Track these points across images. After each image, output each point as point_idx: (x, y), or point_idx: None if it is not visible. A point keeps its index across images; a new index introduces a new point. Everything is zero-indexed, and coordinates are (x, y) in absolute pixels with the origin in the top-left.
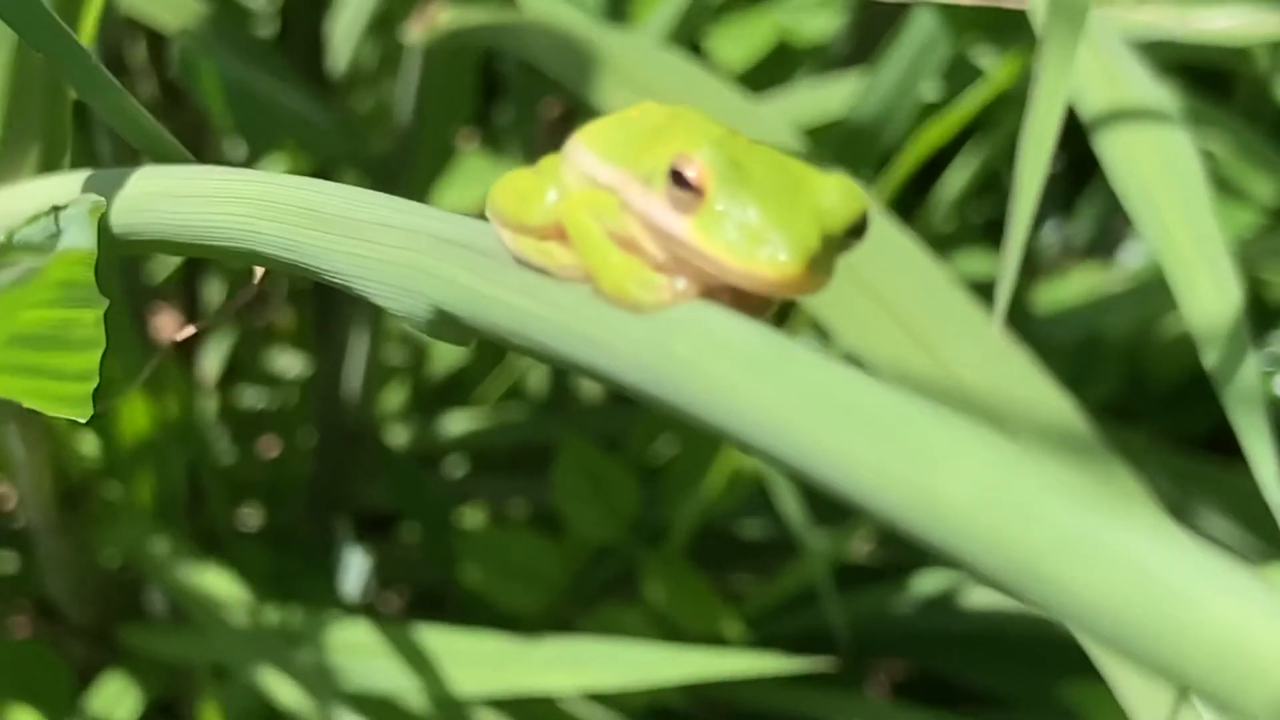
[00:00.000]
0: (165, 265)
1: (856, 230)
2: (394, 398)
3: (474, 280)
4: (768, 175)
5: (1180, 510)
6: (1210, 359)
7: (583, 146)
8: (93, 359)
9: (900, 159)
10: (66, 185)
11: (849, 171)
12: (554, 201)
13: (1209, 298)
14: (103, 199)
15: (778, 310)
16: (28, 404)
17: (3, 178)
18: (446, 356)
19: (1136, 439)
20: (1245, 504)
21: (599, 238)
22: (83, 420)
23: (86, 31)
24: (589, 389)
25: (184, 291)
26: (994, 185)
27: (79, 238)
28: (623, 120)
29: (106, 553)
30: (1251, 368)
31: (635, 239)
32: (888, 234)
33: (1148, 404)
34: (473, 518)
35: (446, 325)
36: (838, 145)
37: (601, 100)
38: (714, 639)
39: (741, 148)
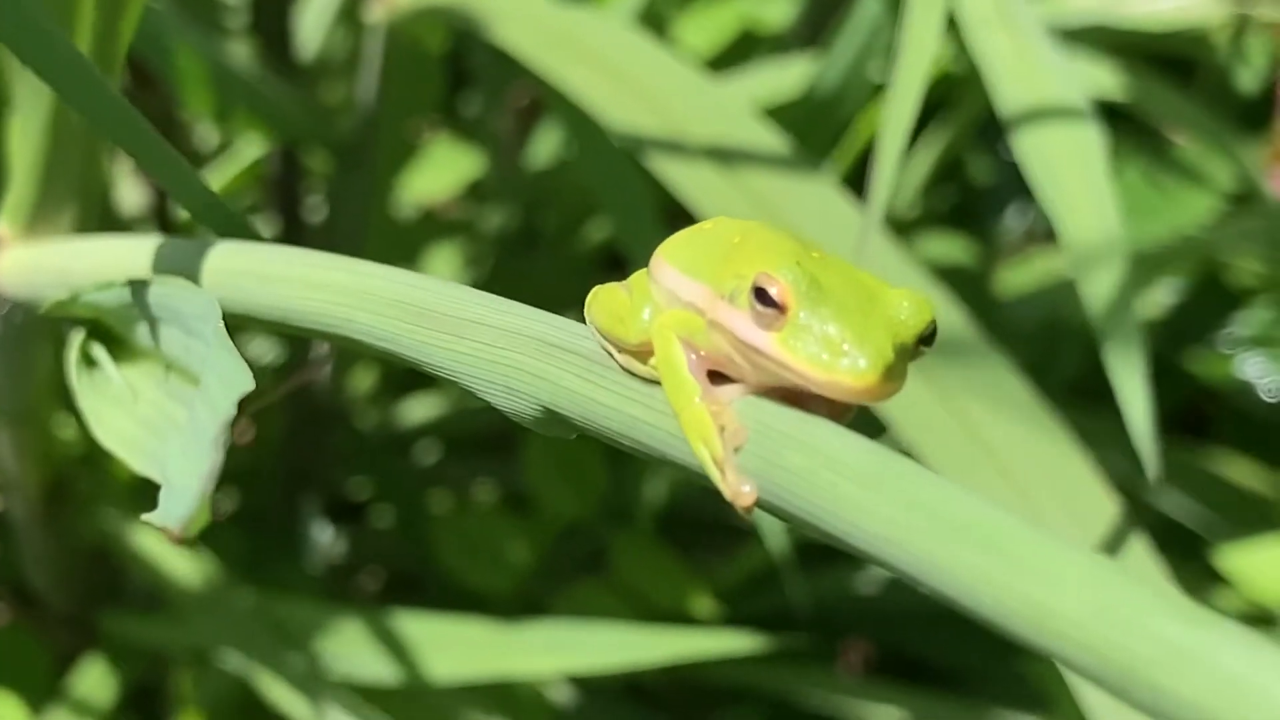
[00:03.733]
0: None
1: (926, 339)
2: (365, 381)
3: (583, 385)
4: (844, 290)
5: (1140, 488)
6: (1099, 315)
7: (666, 263)
8: None
9: (853, 136)
10: (135, 250)
11: (806, 150)
12: (648, 320)
13: (1096, 248)
14: (215, 302)
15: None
16: None
17: (39, 230)
18: None
19: (1097, 420)
20: (1203, 483)
21: (683, 377)
22: None
23: (115, 77)
24: None
25: None
26: (958, 172)
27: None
28: (699, 234)
29: (86, 539)
30: (1132, 322)
31: (725, 353)
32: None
33: (1108, 386)
34: (443, 500)
35: (554, 424)
36: (794, 125)
37: (567, 82)
38: (684, 616)
39: (816, 263)
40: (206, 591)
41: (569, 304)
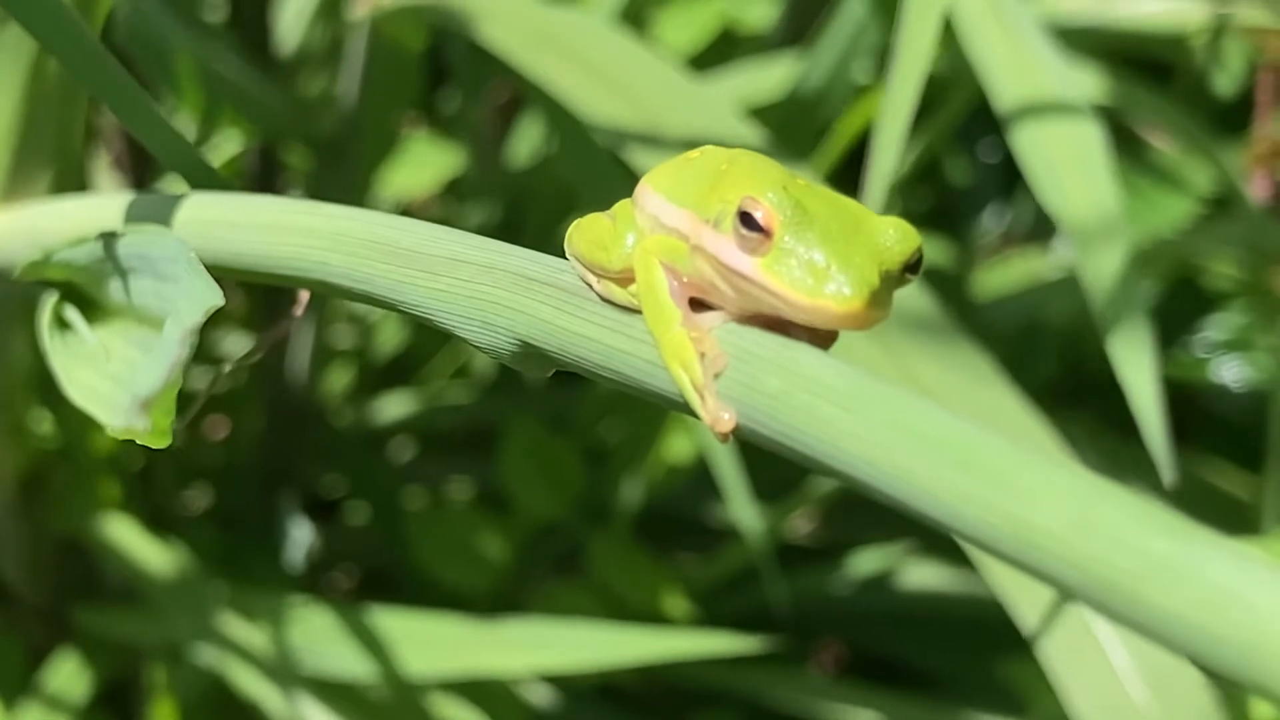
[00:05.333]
0: None
1: (911, 267)
2: (341, 379)
3: (560, 316)
4: (829, 216)
5: None
6: (1103, 302)
7: (650, 190)
8: None
9: (835, 136)
10: (106, 207)
11: (788, 149)
12: (631, 247)
13: (1098, 234)
14: (185, 242)
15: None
16: None
17: (14, 196)
18: (392, 339)
19: (1073, 423)
20: (1179, 486)
21: (663, 302)
22: None
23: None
24: None
25: None
26: (936, 173)
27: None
28: (685, 163)
29: (61, 533)
30: (1139, 311)
31: (708, 279)
32: None
33: (1085, 389)
34: (419, 498)
35: (531, 359)
36: (777, 125)
37: (549, 80)
38: (659, 616)
39: (802, 190)
40: (181, 586)
41: None
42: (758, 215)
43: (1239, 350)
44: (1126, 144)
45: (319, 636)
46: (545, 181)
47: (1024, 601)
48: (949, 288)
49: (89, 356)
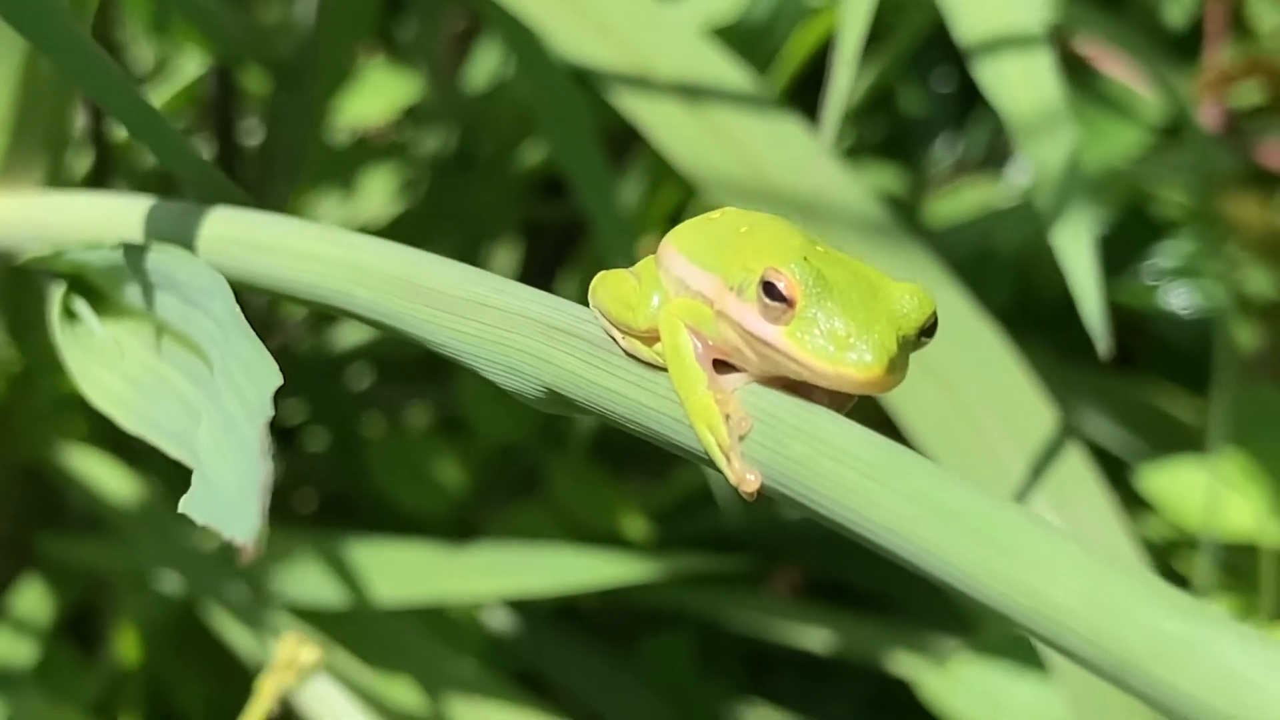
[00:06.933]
0: None
1: (927, 331)
2: (297, 305)
3: (588, 370)
4: (848, 284)
5: (1068, 415)
6: (1044, 191)
7: (675, 251)
8: None
9: (787, 58)
10: (118, 209)
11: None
12: (657, 308)
13: (1049, 153)
14: (222, 279)
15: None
16: None
17: (10, 183)
18: None
19: (1027, 349)
20: (1129, 411)
21: (689, 364)
22: None
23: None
24: None
25: None
26: (889, 102)
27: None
28: (706, 224)
29: (25, 462)
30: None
31: (731, 343)
32: None
33: (1038, 317)
34: (378, 423)
35: (557, 404)
36: (732, 47)
37: (511, 4)
38: (618, 538)
39: (821, 257)
40: (146, 513)
41: (503, 229)
42: (780, 286)
43: (1187, 277)
44: (1077, 73)
45: (283, 563)
46: (502, 108)
47: None
48: (902, 216)
49: (101, 351)
